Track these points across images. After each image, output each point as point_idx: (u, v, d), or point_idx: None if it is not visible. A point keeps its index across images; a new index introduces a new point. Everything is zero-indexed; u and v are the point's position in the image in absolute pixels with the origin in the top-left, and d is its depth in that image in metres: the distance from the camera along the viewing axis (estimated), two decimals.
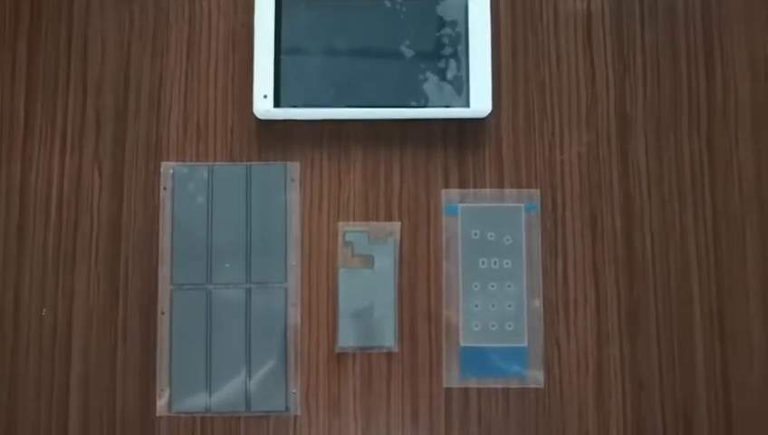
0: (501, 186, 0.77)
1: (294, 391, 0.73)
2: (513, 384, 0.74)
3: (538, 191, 0.77)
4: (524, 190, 0.76)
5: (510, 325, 0.74)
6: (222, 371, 0.73)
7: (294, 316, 0.74)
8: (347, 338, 0.74)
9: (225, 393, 0.73)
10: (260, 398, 0.73)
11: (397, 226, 0.76)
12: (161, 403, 0.73)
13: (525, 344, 0.74)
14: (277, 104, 0.75)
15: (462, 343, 0.73)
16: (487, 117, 0.76)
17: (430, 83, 0.75)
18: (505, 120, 0.78)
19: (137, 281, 0.75)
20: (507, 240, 0.75)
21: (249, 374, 0.73)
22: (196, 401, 0.73)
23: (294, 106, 0.75)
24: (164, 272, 0.74)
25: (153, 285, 0.75)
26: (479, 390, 0.73)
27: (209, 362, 0.73)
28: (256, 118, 0.76)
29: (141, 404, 0.73)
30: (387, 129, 0.77)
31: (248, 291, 0.74)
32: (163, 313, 0.74)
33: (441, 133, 0.78)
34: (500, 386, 0.73)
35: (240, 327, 0.74)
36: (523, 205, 0.76)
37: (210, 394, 0.73)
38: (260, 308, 0.74)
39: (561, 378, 0.74)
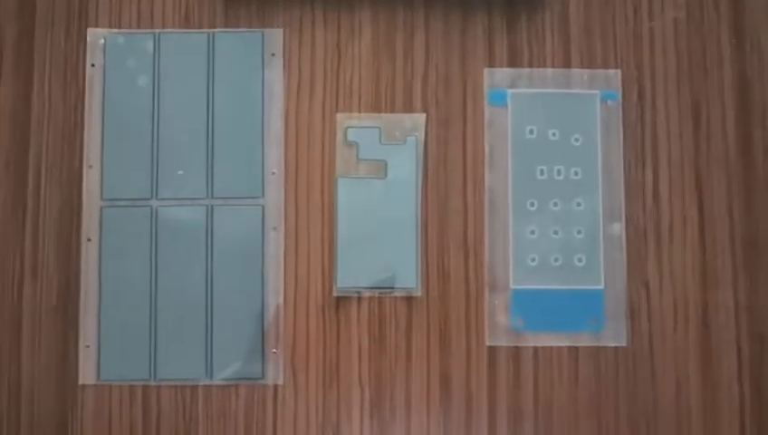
0: (567, 64, 0.65)
1: (275, 350, 0.62)
2: (585, 341, 0.62)
3: (618, 72, 0.64)
4: (600, 71, 0.64)
5: (580, 259, 0.63)
6: (172, 322, 0.62)
7: (275, 245, 0.63)
8: (349, 276, 0.63)
9: (177, 354, 0.62)
10: (226, 361, 0.62)
11: (420, 119, 0.64)
12: (86, 367, 0.62)
13: (601, 286, 0.62)
14: None
15: (512, 285, 0.63)
16: None
17: None
18: None
19: (53, 195, 0.63)
20: (576, 140, 0.64)
21: (211, 327, 0.62)
22: (136, 365, 0.62)
23: None
24: (91, 182, 0.63)
25: (76, 200, 0.63)
26: (536, 350, 0.62)
27: (154, 310, 0.62)
28: None
29: (58, 369, 0.62)
30: None
31: (209, 209, 0.63)
32: (89, 239, 0.62)
33: None
34: (565, 344, 0.62)
35: (198, 260, 0.62)
36: (597, 92, 0.64)
37: (155, 355, 0.62)
38: (227, 233, 0.63)
39: (652, 333, 0.62)
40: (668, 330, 0.62)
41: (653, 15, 0.65)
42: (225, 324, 0.62)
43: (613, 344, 0.62)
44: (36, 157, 0.63)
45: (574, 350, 0.62)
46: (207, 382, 0.61)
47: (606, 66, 0.65)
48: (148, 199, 0.63)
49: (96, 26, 0.64)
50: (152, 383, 0.61)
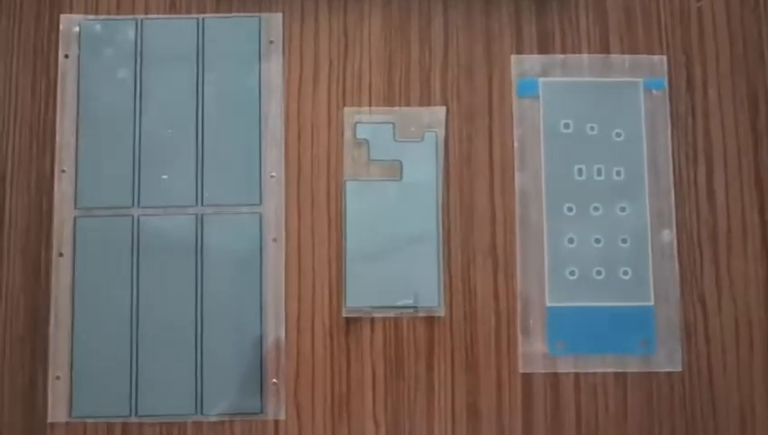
0: (605, 50, 0.62)
1: (276, 380, 0.59)
2: (633, 366, 0.59)
3: (664, 58, 0.62)
4: (643, 57, 0.62)
5: (626, 272, 0.60)
6: (156, 349, 0.59)
7: (276, 259, 0.60)
8: (361, 294, 0.59)
9: (163, 386, 0.59)
10: (219, 393, 0.59)
11: (440, 113, 0.61)
12: (56, 402, 0.58)
13: (651, 302, 0.59)
14: None
15: (548, 302, 0.60)
16: None
17: None
18: None
19: (19, 203, 0.61)
20: (618, 135, 0.61)
21: (201, 354, 0.59)
22: (114, 399, 0.58)
23: None
24: (63, 188, 0.61)
25: (46, 209, 0.61)
26: (577, 376, 0.59)
27: (136, 335, 0.59)
28: None
29: (24, 404, 0.59)
30: None
31: (199, 218, 0.60)
32: (61, 254, 0.60)
33: None
34: (611, 370, 0.59)
35: (186, 278, 0.59)
36: (641, 80, 0.61)
37: (136, 387, 0.58)
38: (219, 246, 0.60)
39: (710, 356, 0.59)
40: (729, 352, 0.59)
41: None
42: (218, 351, 0.59)
43: (666, 369, 0.59)
44: (0, 160, 0.60)
45: (622, 376, 0.59)
46: (198, 418, 0.58)
47: (649, 51, 0.62)
48: (129, 208, 0.60)
49: (70, 12, 0.62)
50: (133, 420, 0.58)
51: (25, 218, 0.59)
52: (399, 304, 0.59)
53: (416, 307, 0.58)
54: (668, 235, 0.59)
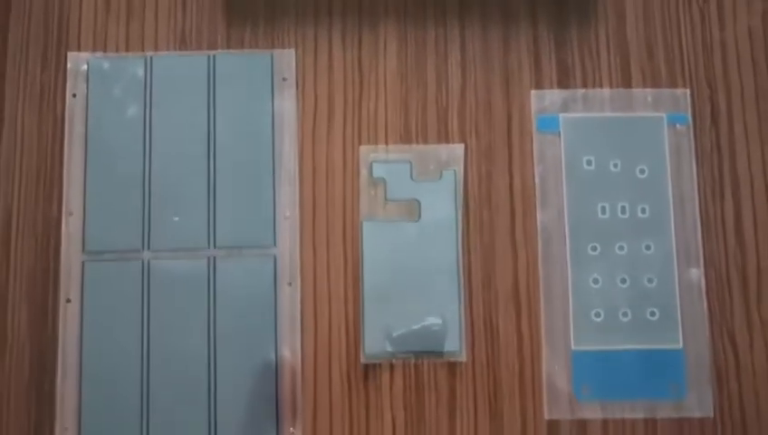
0: (626, 84, 0.61)
1: (293, 429, 0.57)
2: (664, 412, 0.57)
3: (687, 92, 0.61)
4: (666, 91, 0.61)
5: (653, 313, 0.58)
6: (168, 398, 0.57)
7: (290, 303, 0.58)
8: (379, 340, 0.58)
9: None
10: None
11: (458, 150, 0.60)
12: None
13: (680, 345, 0.58)
14: None
15: (574, 346, 0.58)
16: None
17: None
18: None
19: (25, 247, 0.59)
20: (641, 172, 0.59)
21: (214, 403, 0.57)
22: None
23: None
24: (71, 232, 0.59)
25: (53, 253, 0.59)
26: (605, 423, 0.57)
27: (146, 384, 0.57)
28: None
29: None
30: None
31: (211, 261, 0.58)
32: (69, 300, 0.58)
33: None
34: (640, 416, 0.57)
35: (198, 323, 0.58)
36: (664, 114, 0.60)
37: None
38: (232, 290, 0.58)
39: (743, 399, 0.57)
40: (762, 394, 0.57)
41: (724, 25, 0.61)
42: (233, 399, 0.56)
43: (698, 415, 0.57)
44: (6, 203, 0.59)
45: (651, 422, 0.57)
46: None
47: (672, 85, 0.61)
48: (139, 251, 0.58)
49: (78, 50, 0.61)
50: None
51: (32, 263, 0.58)
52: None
53: (441, 352, 0.56)
54: (696, 273, 0.57)
